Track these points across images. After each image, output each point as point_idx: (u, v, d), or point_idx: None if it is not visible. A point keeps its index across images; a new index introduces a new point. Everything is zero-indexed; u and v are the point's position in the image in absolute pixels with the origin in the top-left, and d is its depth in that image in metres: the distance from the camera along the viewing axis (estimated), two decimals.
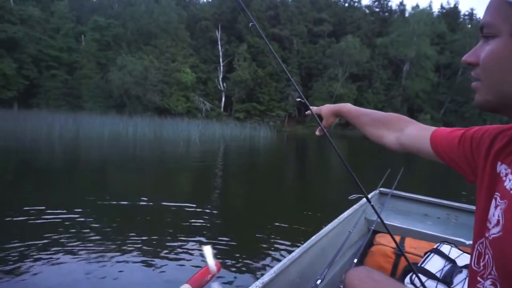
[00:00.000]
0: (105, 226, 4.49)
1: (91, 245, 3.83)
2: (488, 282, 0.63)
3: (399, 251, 1.40)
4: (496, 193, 0.66)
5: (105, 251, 3.69)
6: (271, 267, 1.56)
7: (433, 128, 0.94)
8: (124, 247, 3.81)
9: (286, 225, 4.99)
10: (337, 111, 1.25)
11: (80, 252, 3.62)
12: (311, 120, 37.62)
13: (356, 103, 36.93)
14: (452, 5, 47.70)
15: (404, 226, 2.48)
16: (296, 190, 8.18)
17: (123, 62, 30.11)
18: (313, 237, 1.87)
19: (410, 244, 2.22)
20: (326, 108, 1.29)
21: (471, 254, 0.72)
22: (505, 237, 0.58)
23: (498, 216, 0.62)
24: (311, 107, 1.35)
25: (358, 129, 1.20)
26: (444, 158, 0.87)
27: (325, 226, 2.10)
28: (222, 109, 36.48)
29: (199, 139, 18.31)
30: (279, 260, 1.62)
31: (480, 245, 0.68)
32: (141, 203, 5.70)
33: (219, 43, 37.02)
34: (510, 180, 0.62)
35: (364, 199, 2.83)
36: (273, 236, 4.48)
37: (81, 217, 4.67)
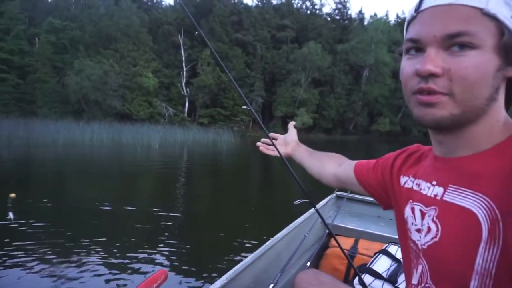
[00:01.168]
0: (57, 232, 4.35)
1: (42, 252, 3.73)
2: None
3: (344, 254, 1.42)
4: (415, 203, 0.70)
5: (55, 257, 3.62)
6: (227, 272, 1.53)
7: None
8: (75, 254, 3.74)
9: (246, 230, 4.95)
10: (294, 146, 1.35)
11: (29, 260, 3.52)
12: (274, 126, 37.98)
13: (318, 108, 37.86)
14: (406, 15, 50.19)
15: (358, 228, 2.53)
16: (258, 195, 8.17)
17: (81, 66, 28.86)
18: (268, 242, 1.86)
19: (363, 246, 2.27)
20: (292, 138, 1.38)
21: (405, 271, 0.75)
22: (445, 241, 0.60)
23: (428, 224, 0.64)
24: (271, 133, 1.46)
25: (301, 164, 1.29)
26: (366, 187, 0.96)
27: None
28: (185, 114, 35.97)
29: (159, 145, 17.97)
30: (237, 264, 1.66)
31: (414, 259, 0.70)
32: (94, 209, 5.53)
33: (182, 47, 36.57)
34: (429, 188, 0.67)
35: (320, 203, 2.91)
36: (231, 242, 4.42)
37: (30, 224, 4.47)
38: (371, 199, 3.03)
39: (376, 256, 1.92)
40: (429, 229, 0.64)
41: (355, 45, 39.67)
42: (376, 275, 1.75)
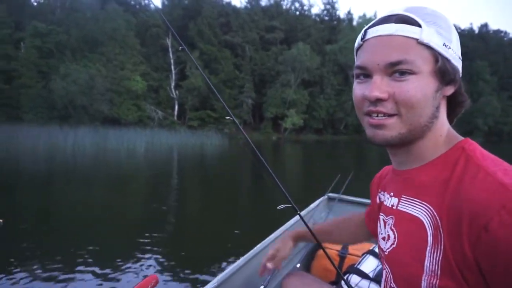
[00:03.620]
0: (42, 241, 4.23)
1: (28, 260, 3.65)
2: None
3: (327, 256, 1.34)
4: (381, 214, 0.78)
5: (42, 266, 3.55)
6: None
7: None
8: (62, 261, 3.68)
9: (237, 234, 4.87)
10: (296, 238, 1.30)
11: (15, 270, 3.45)
12: (265, 127, 38.00)
13: (308, 108, 37.94)
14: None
15: None
16: (248, 197, 8.08)
17: (67, 71, 28.45)
18: (259, 244, 1.87)
19: (354, 246, 2.27)
20: (286, 242, 1.29)
21: (382, 273, 0.80)
22: (400, 247, 0.67)
23: (388, 232, 0.72)
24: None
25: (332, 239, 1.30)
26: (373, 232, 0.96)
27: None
28: (175, 118, 35.77)
29: (146, 149, 17.82)
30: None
31: (382, 264, 0.77)
32: (78, 215, 5.41)
33: (170, 50, 36.36)
34: (388, 199, 0.76)
35: (312, 205, 2.91)
36: (222, 246, 4.35)
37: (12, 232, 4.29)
38: (362, 200, 3.04)
39: (364, 257, 1.91)
40: (388, 236, 0.71)
41: (343, 45, 39.92)
42: (363, 275, 1.75)
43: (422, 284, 0.59)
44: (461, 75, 0.64)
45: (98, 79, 28.72)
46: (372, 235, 1.03)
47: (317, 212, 2.89)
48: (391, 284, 0.70)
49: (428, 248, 0.59)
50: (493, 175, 0.55)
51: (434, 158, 0.65)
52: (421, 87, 0.60)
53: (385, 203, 0.77)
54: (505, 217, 0.49)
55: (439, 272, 0.57)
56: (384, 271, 0.73)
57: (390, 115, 0.62)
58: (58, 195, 7.33)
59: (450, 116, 0.69)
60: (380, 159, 18.71)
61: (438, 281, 0.57)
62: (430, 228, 0.60)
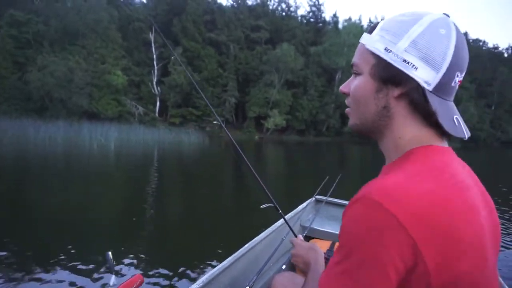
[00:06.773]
0: (15, 243, 3.94)
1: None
2: None
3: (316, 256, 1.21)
4: None
5: (18, 270, 3.32)
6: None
7: None
8: (41, 264, 3.46)
9: (222, 234, 4.75)
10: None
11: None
12: (248, 126, 37.83)
13: (291, 109, 38.00)
14: (379, 20, 51.34)
15: (335, 232, 2.54)
16: (232, 197, 7.90)
17: (44, 62, 27.43)
18: (245, 245, 1.88)
19: None
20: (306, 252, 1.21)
21: None
22: None
23: None
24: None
25: None
26: None
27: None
28: (156, 114, 35.15)
29: (118, 145, 17.37)
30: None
31: None
32: (51, 215, 5.13)
33: (153, 45, 35.69)
34: None
35: (299, 207, 2.90)
36: (207, 246, 4.22)
37: None
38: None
39: None
40: None
41: (328, 47, 40.20)
42: None
43: None
44: (423, 80, 0.63)
45: (77, 72, 27.78)
46: None
47: (305, 214, 2.87)
48: None
49: None
50: (385, 175, 0.63)
51: (395, 159, 0.69)
52: (360, 85, 0.70)
53: None
54: (352, 207, 0.58)
55: None
56: None
57: (349, 108, 0.75)
58: (27, 192, 6.96)
59: (442, 128, 0.64)
60: (361, 161, 18.87)
61: None
62: None
